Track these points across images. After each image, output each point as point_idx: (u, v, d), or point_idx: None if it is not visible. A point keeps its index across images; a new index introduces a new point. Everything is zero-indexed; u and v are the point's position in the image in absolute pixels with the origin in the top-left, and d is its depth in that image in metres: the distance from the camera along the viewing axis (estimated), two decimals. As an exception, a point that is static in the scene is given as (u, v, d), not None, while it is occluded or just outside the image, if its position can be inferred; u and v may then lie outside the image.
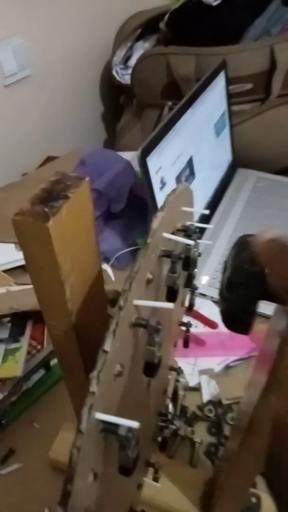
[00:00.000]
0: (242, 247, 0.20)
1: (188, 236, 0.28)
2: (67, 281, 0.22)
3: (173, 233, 0.27)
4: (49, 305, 0.24)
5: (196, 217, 0.67)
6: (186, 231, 0.28)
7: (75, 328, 0.25)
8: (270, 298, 0.18)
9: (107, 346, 0.17)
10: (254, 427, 0.27)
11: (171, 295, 0.25)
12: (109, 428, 0.18)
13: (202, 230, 0.71)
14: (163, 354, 0.30)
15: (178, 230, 0.28)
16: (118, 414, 0.22)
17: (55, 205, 0.20)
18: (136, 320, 0.20)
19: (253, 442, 0.28)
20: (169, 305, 0.20)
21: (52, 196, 0.21)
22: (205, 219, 0.73)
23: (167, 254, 0.24)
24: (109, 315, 0.29)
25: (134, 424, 0.17)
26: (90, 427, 0.17)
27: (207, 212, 0.30)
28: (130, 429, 0.17)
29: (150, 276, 0.22)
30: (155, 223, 0.22)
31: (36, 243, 0.20)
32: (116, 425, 0.17)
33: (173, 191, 0.26)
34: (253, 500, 0.40)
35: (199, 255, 0.33)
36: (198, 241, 0.30)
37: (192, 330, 0.57)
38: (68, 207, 0.20)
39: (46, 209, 0.20)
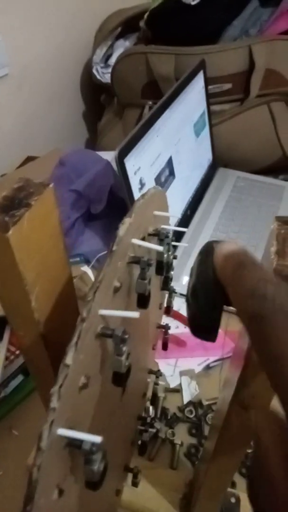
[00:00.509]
0: (207, 254, 0.20)
1: (160, 240, 0.28)
2: (32, 291, 0.22)
3: (143, 238, 0.26)
4: (15, 315, 0.23)
5: (176, 219, 0.67)
6: (158, 236, 0.28)
7: (44, 337, 0.24)
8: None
9: (68, 359, 0.17)
10: (228, 425, 0.27)
11: (142, 302, 0.25)
12: (73, 443, 0.17)
13: (181, 232, 0.71)
14: (138, 359, 0.30)
15: (149, 234, 0.28)
16: (88, 424, 0.22)
17: (16, 213, 0.20)
18: (102, 330, 0.20)
19: (228, 441, 0.28)
20: (135, 314, 0.19)
21: (13, 204, 0.20)
22: (186, 219, 0.73)
23: (136, 261, 0.23)
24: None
25: (97, 439, 0.16)
26: (52, 444, 0.16)
27: (178, 215, 0.30)
28: (94, 443, 0.17)
29: (117, 284, 0.22)
30: (122, 229, 0.22)
31: (-3, 253, 0.19)
32: (80, 440, 0.17)
33: (143, 196, 0.26)
34: (232, 500, 0.40)
35: (175, 257, 0.33)
36: (174, 243, 0.30)
37: (173, 331, 0.58)
38: (30, 216, 0.20)
39: (6, 218, 0.19)
